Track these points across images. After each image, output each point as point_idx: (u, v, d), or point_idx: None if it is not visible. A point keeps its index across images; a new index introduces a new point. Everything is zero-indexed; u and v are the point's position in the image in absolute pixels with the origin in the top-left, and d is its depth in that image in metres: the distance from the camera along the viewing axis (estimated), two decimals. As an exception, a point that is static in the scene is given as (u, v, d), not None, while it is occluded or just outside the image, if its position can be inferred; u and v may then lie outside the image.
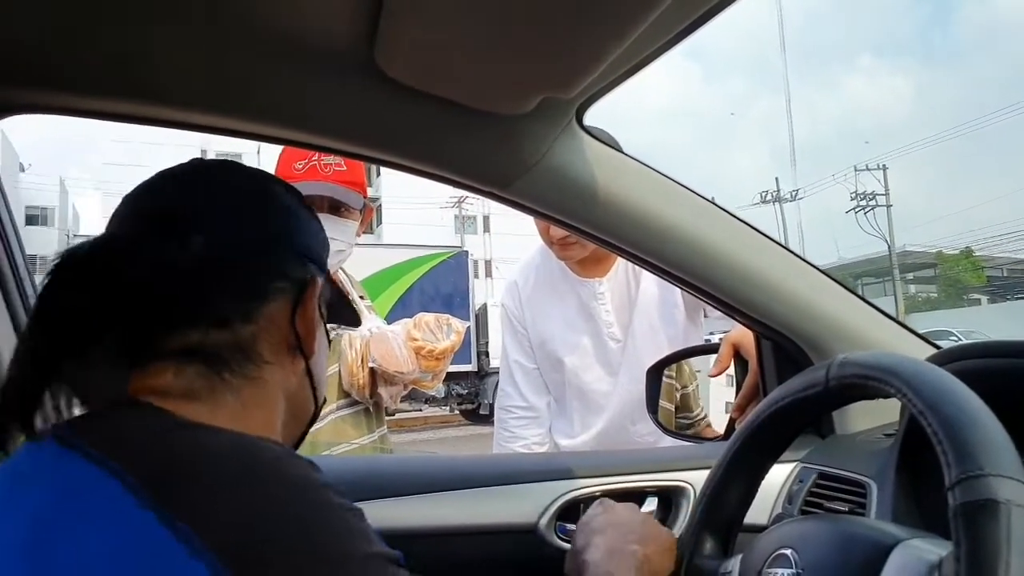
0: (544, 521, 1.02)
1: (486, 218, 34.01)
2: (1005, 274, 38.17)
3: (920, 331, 1.12)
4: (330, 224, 1.54)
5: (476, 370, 14.11)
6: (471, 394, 14.45)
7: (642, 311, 1.62)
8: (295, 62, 0.78)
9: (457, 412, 15.09)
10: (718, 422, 1.58)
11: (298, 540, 0.47)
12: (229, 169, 0.67)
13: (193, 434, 0.52)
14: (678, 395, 1.67)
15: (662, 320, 1.61)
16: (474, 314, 13.98)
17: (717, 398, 1.64)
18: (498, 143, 0.87)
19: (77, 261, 0.57)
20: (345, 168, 1.55)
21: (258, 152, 31.46)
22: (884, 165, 29.81)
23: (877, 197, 29.30)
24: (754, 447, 0.79)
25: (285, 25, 0.73)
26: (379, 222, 31.38)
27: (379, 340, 1.61)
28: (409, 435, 12.84)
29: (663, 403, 1.54)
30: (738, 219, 1.04)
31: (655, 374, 1.34)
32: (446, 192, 30.33)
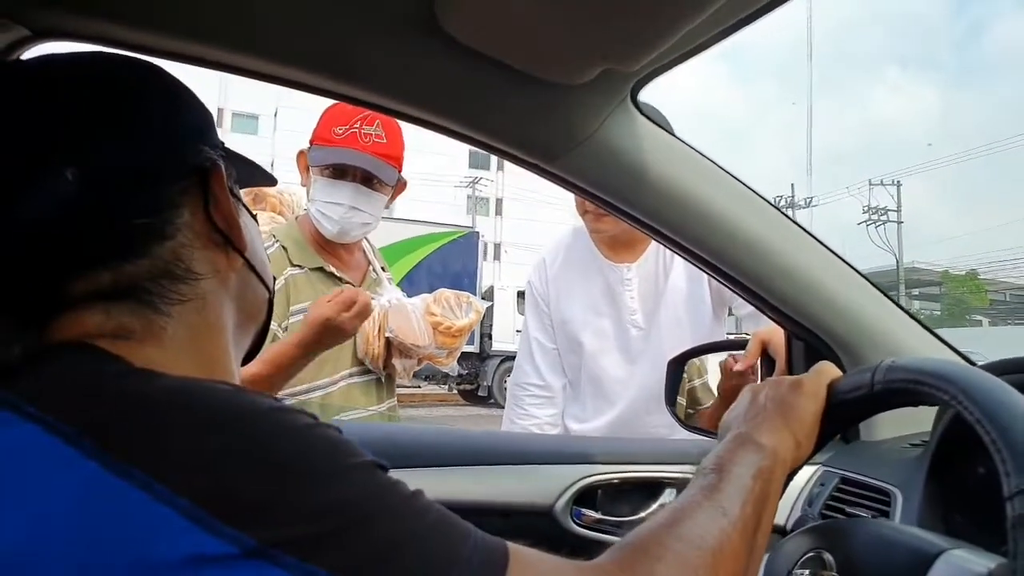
0: (560, 504, 1.01)
1: (499, 201, 33.91)
2: (1008, 299, 38.04)
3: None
4: (359, 196, 1.52)
5: (478, 351, 14.14)
6: (471, 375, 14.49)
7: (670, 302, 1.60)
8: (350, 9, 0.75)
9: (455, 392, 15.13)
10: (717, 415, 1.58)
11: (274, 465, 0.44)
12: (79, 73, 0.57)
13: (132, 381, 0.48)
14: (686, 388, 1.65)
15: (689, 314, 1.60)
16: (481, 296, 13.97)
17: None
18: (550, 113, 0.85)
19: None
20: (385, 140, 1.53)
21: (275, 115, 31.35)
22: (899, 181, 29.68)
23: (889, 213, 29.21)
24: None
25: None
26: (391, 196, 31.19)
27: (397, 311, 1.59)
28: (405, 411, 12.83)
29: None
30: (783, 214, 1.02)
31: (677, 366, 1.32)
32: (460, 171, 30.27)
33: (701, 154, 0.96)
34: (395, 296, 1.65)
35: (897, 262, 28.89)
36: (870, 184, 29.50)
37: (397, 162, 1.57)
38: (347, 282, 1.59)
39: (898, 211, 29.26)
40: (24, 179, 0.51)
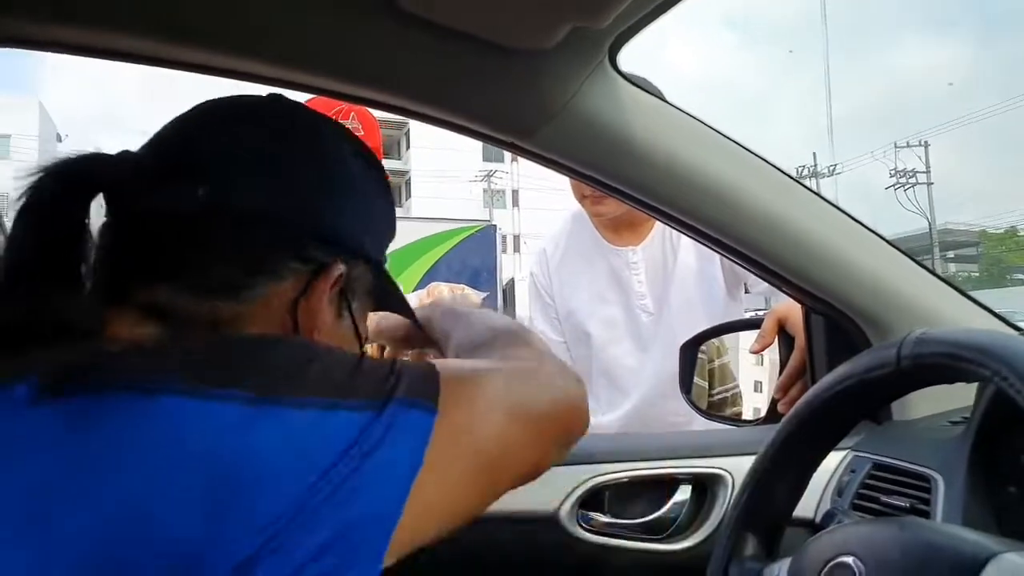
0: (565, 509, 0.94)
1: (515, 192, 33.80)
2: (1051, 253, 37.15)
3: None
4: None
5: (502, 345, 14.13)
6: (496, 368, 14.48)
7: (679, 283, 1.52)
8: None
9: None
10: (748, 402, 1.53)
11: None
12: (263, 112, 0.58)
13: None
14: (707, 370, 1.57)
15: (700, 294, 1.51)
16: (501, 289, 13.94)
17: (746, 377, 1.56)
18: (519, 85, 0.77)
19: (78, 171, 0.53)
20: (362, 132, 1.48)
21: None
22: (926, 142, 29.05)
23: (918, 175, 28.62)
24: (808, 434, 0.69)
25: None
26: (407, 195, 31.36)
27: (388, 313, 1.53)
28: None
29: (696, 380, 1.45)
30: (792, 179, 0.93)
31: (690, 350, 1.24)
32: (475, 166, 30.17)
33: (696, 119, 0.87)
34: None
35: (930, 224, 28.34)
36: (895, 147, 28.95)
37: (376, 152, 1.52)
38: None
39: (927, 172, 28.68)
40: (163, 178, 0.52)
